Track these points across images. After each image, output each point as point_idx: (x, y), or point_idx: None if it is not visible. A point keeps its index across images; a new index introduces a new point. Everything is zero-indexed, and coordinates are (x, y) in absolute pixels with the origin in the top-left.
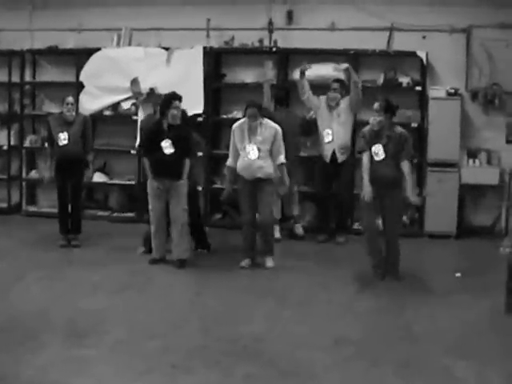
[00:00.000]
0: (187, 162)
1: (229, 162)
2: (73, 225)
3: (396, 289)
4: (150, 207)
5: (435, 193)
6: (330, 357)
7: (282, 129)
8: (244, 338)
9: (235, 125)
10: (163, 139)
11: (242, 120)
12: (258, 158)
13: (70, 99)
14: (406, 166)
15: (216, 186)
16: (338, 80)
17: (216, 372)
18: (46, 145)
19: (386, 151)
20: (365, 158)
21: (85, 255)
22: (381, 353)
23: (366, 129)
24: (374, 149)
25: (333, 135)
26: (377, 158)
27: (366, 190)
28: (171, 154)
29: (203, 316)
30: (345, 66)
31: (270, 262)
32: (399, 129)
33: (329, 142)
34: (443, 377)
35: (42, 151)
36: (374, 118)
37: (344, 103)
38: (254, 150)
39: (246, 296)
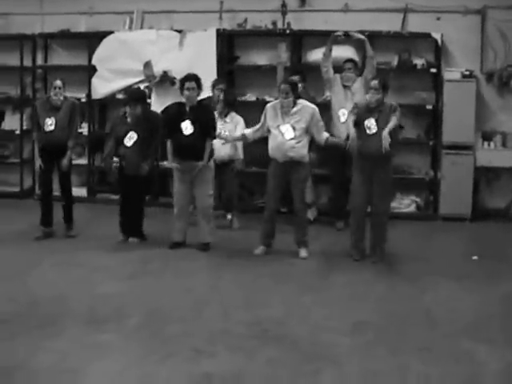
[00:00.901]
0: (208, 144)
1: (248, 130)
2: (64, 215)
3: (412, 272)
4: (174, 190)
5: (450, 175)
6: (350, 341)
7: None
8: (265, 322)
9: (268, 104)
10: (184, 120)
11: (276, 101)
12: (294, 138)
13: (58, 83)
14: (394, 119)
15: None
16: (350, 60)
17: (239, 356)
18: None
19: (378, 125)
20: (352, 130)
21: (100, 240)
22: (401, 337)
23: (361, 103)
24: (366, 122)
25: (348, 115)
26: (369, 132)
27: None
28: (191, 135)
29: (223, 300)
30: (361, 36)
31: (304, 253)
32: (390, 102)
33: (344, 123)
34: (465, 361)
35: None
36: (371, 95)
37: (358, 83)
38: (288, 130)
39: (264, 280)
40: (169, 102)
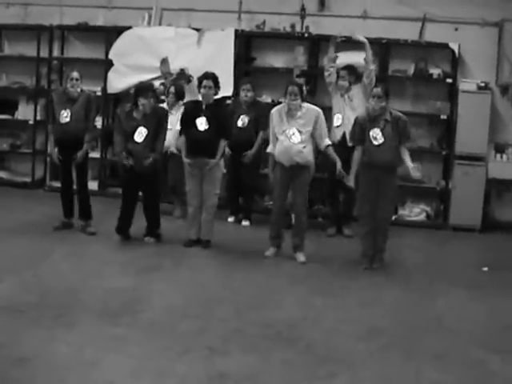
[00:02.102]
0: (222, 143)
1: (270, 148)
2: (81, 210)
3: (423, 281)
4: (186, 188)
5: (461, 186)
6: (364, 346)
7: None
8: (278, 324)
9: (274, 109)
10: (199, 116)
11: (280, 105)
12: (300, 141)
13: (75, 74)
14: (405, 151)
15: None
16: (345, 67)
17: (253, 356)
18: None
19: (384, 135)
20: (357, 152)
21: (112, 234)
22: (414, 344)
23: (362, 116)
24: (372, 133)
25: (343, 119)
26: (375, 143)
27: (351, 178)
28: (205, 131)
29: (235, 299)
30: (362, 39)
31: (302, 257)
32: (396, 112)
33: (337, 127)
34: (479, 370)
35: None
36: (375, 103)
37: (357, 88)
38: (295, 134)
39: (276, 281)
40: (184, 99)
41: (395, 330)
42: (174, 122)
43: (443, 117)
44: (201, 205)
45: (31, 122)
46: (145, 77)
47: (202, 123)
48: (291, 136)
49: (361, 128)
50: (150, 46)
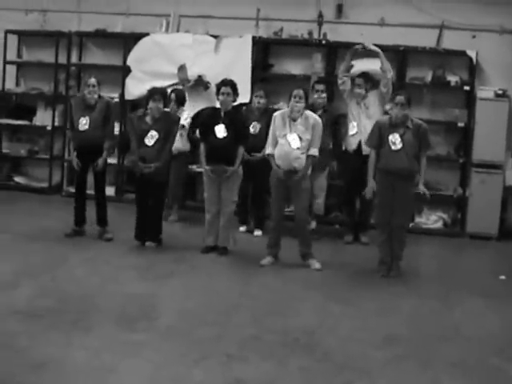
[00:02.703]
0: (240, 150)
1: (269, 150)
2: (98, 217)
3: (440, 289)
4: (204, 195)
5: (478, 193)
6: (381, 354)
7: None
8: (295, 331)
9: (276, 112)
10: (218, 124)
11: (284, 109)
12: (299, 148)
13: (93, 80)
14: (424, 159)
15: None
16: (361, 75)
17: (271, 363)
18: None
19: (403, 141)
20: (372, 153)
21: (129, 239)
22: (431, 352)
23: (383, 120)
24: (391, 138)
25: (359, 127)
26: (394, 148)
27: (369, 187)
28: (224, 138)
29: (252, 306)
30: (375, 49)
31: (316, 264)
32: (417, 120)
33: (353, 135)
34: (496, 378)
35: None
36: (398, 111)
37: (373, 95)
38: (295, 140)
39: (293, 288)
40: (201, 106)
41: (412, 339)
42: None
43: (460, 124)
44: (219, 212)
45: (49, 128)
46: (162, 83)
47: (220, 130)
48: (291, 141)
49: (379, 132)
50: (167, 52)
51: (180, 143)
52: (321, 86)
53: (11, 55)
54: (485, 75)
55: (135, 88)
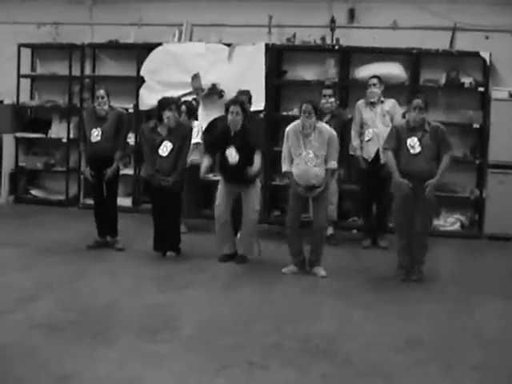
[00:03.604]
0: (257, 158)
1: (285, 167)
2: (109, 227)
3: (460, 291)
4: (216, 202)
5: (495, 194)
6: (403, 358)
7: None
8: (316, 337)
9: (289, 128)
10: (228, 146)
11: (295, 122)
12: (315, 165)
13: (101, 92)
14: (446, 159)
15: (275, 182)
16: (375, 76)
17: (293, 370)
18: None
19: (421, 145)
20: (390, 154)
21: (147, 250)
22: (453, 355)
23: (400, 124)
24: (409, 141)
25: (374, 134)
26: (412, 151)
27: (402, 183)
28: (236, 163)
29: (273, 314)
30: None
31: (322, 272)
32: (434, 122)
33: (368, 141)
34: None
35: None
36: (416, 115)
37: (389, 105)
38: (311, 157)
39: (312, 295)
40: (215, 114)
41: (433, 342)
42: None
43: (476, 126)
44: (229, 220)
45: (64, 141)
46: (176, 93)
47: (231, 154)
48: (308, 160)
49: (397, 136)
50: (181, 62)
51: (195, 155)
52: (328, 91)
53: (25, 69)
54: (499, 76)
55: (149, 98)
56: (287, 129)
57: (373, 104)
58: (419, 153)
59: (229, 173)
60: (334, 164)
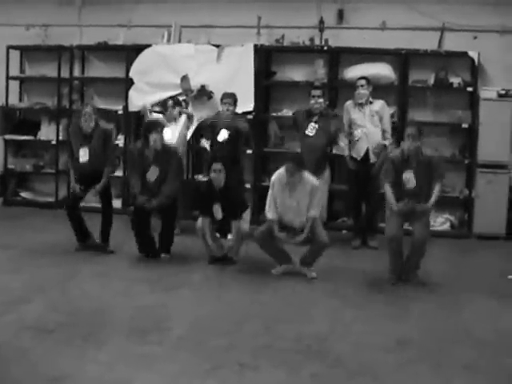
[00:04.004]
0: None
1: (270, 215)
2: (102, 233)
3: (450, 290)
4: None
5: (484, 194)
6: (393, 358)
7: None
8: (307, 338)
9: (274, 177)
10: (214, 203)
11: (280, 171)
12: (299, 215)
13: (88, 110)
14: (438, 187)
15: (265, 183)
16: (363, 77)
17: (283, 371)
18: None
19: (416, 177)
20: (387, 187)
21: (134, 252)
22: (443, 355)
23: (395, 155)
24: (405, 176)
25: (363, 134)
26: (408, 186)
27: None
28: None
29: (263, 314)
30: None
31: (312, 273)
32: (428, 154)
33: (357, 140)
34: (509, 380)
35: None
36: (410, 143)
37: (378, 106)
38: (294, 207)
39: (303, 295)
40: (205, 116)
41: (424, 342)
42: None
43: (465, 125)
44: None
45: (54, 143)
46: (165, 94)
47: (217, 210)
48: (290, 208)
49: (393, 168)
50: (170, 63)
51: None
52: (317, 92)
53: (14, 71)
54: (487, 76)
55: (139, 100)
56: (273, 178)
57: (361, 105)
58: (415, 187)
59: (217, 224)
60: (313, 212)
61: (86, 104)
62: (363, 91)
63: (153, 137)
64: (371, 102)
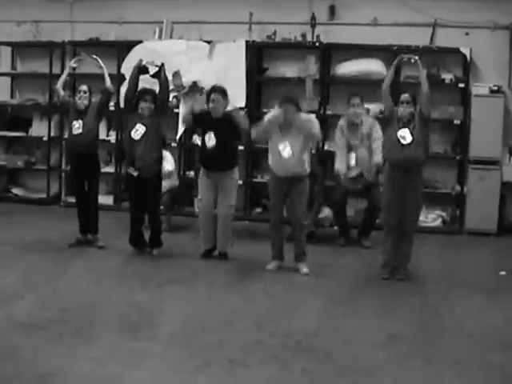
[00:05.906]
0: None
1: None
2: (89, 225)
3: (441, 286)
4: (198, 197)
5: (476, 190)
6: (384, 353)
7: None
8: (297, 334)
9: (267, 116)
10: (208, 131)
11: (276, 111)
12: (293, 155)
13: (84, 87)
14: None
15: (256, 180)
16: (356, 94)
17: (274, 367)
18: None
19: (412, 135)
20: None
21: (126, 248)
22: (434, 350)
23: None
24: (400, 133)
25: (357, 160)
26: (403, 142)
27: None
28: (213, 148)
29: (254, 311)
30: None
31: (305, 268)
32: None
33: (351, 167)
34: (499, 375)
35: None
36: (403, 109)
37: (367, 126)
38: (287, 148)
39: (294, 292)
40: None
41: (414, 337)
42: None
43: (456, 122)
44: (212, 213)
45: (45, 139)
46: (157, 90)
47: (210, 138)
48: (283, 150)
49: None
50: (161, 59)
51: (171, 181)
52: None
53: (5, 67)
54: (479, 72)
55: None
56: (265, 116)
57: (356, 125)
58: (410, 142)
59: (207, 158)
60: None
61: (81, 85)
62: (358, 110)
63: (141, 105)
64: (361, 122)
